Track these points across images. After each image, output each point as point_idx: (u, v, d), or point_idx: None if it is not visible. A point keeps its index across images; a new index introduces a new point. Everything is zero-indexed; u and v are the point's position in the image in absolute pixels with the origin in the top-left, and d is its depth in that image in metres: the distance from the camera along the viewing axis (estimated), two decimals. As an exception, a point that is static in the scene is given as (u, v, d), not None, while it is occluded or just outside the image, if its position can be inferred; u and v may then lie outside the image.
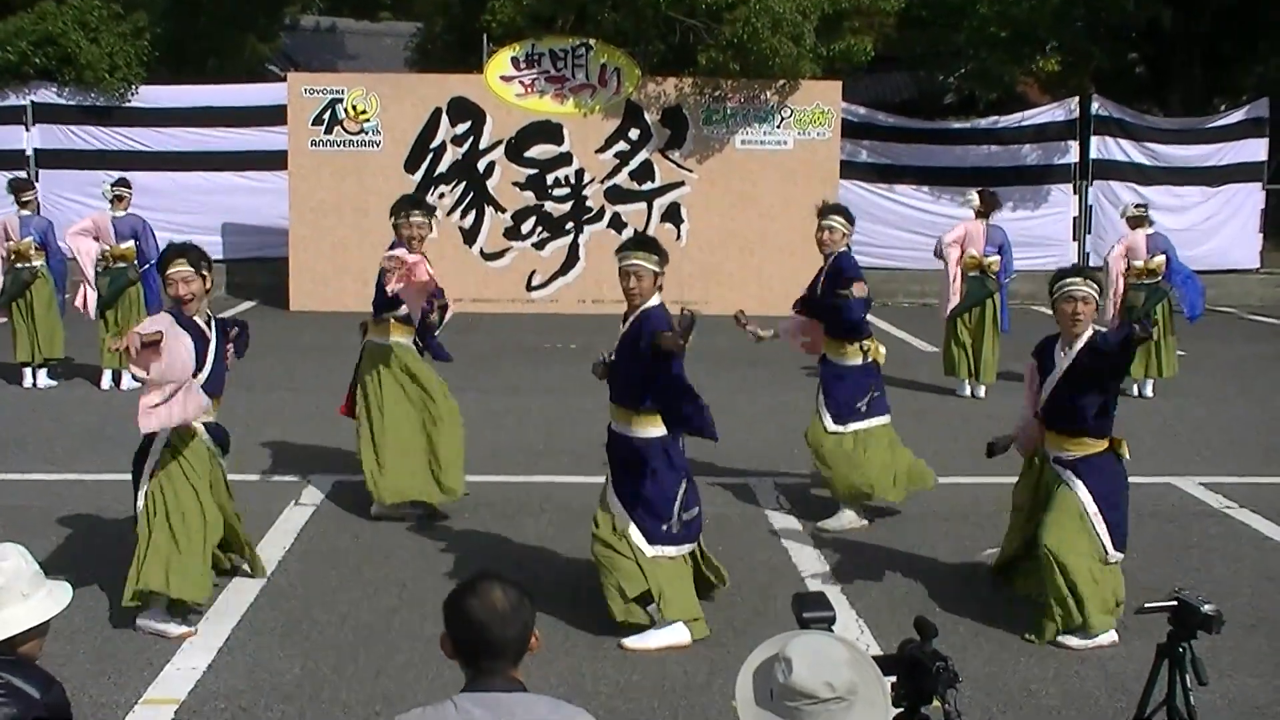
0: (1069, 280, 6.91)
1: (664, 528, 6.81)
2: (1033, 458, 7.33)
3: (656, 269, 6.85)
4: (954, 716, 3.58)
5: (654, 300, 6.86)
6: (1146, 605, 4.47)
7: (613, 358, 6.95)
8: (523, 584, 3.31)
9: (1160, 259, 13.48)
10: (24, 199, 13.37)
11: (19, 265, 13.08)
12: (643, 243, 6.97)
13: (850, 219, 9.23)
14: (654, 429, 6.79)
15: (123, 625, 6.74)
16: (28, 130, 21.66)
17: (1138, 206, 14.05)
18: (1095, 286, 6.91)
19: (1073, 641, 6.72)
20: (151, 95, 21.80)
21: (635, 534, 6.79)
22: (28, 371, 13.15)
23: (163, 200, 20.07)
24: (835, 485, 8.91)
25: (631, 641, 6.66)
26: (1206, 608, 4.27)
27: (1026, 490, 7.33)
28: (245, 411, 11.85)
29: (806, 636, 3.08)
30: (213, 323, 7.15)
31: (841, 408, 8.93)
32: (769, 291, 19.37)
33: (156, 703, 5.82)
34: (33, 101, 21.60)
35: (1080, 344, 6.84)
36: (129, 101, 21.69)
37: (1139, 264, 13.45)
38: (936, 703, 3.49)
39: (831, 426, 8.93)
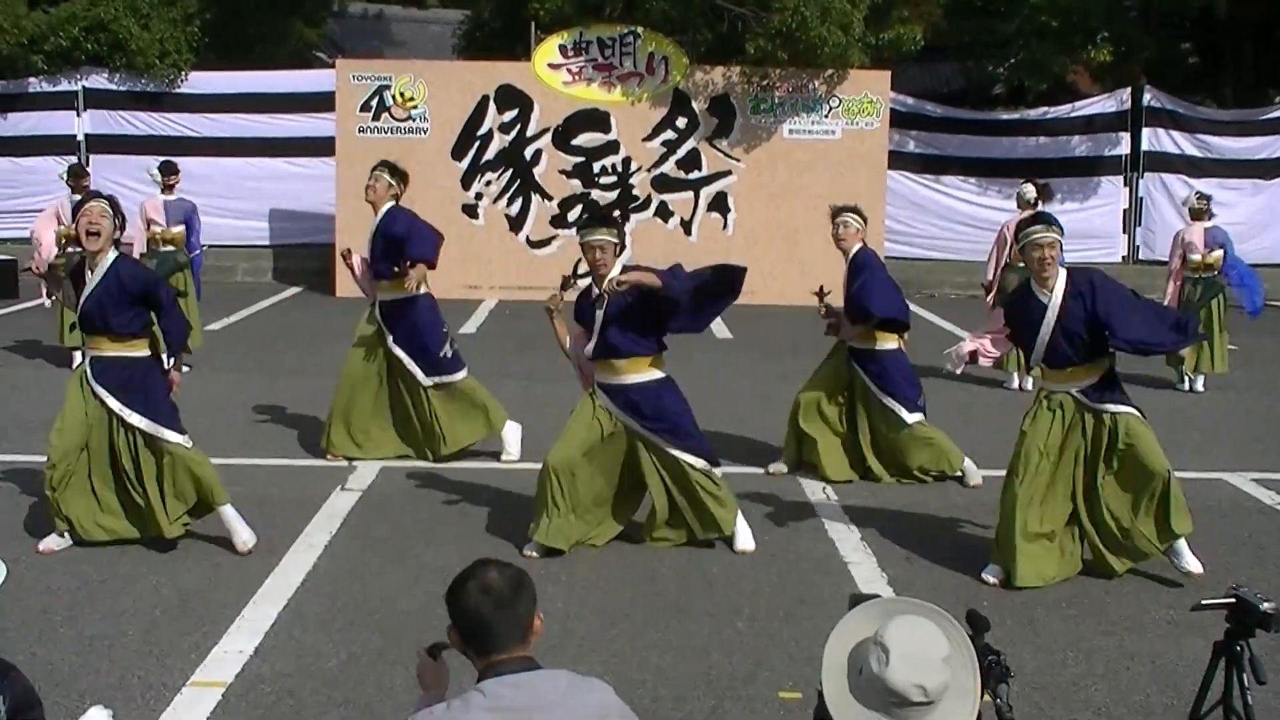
0: (1032, 229, 7.33)
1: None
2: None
3: (617, 242, 7.77)
4: (1005, 711, 3.53)
5: (616, 269, 7.70)
6: (1203, 602, 4.40)
7: (575, 281, 7.87)
8: (519, 568, 3.37)
9: (1218, 253, 13.33)
10: (81, 184, 13.49)
11: (70, 250, 13.17)
12: (604, 220, 8.02)
13: (864, 217, 9.97)
14: (653, 371, 7.73)
15: (170, 608, 6.78)
16: (79, 116, 21.88)
17: (1200, 199, 13.83)
18: (1059, 231, 7.32)
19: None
20: (201, 81, 21.97)
21: (696, 460, 7.73)
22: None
23: (211, 186, 20.23)
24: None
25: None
26: (1266, 605, 4.19)
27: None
28: (290, 397, 11.93)
29: (909, 620, 2.99)
30: (111, 268, 7.58)
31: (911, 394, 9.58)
32: (815, 282, 19.17)
33: (204, 685, 5.83)
34: (84, 87, 21.81)
35: (1060, 287, 7.25)
36: (178, 87, 21.88)
37: (1196, 258, 13.30)
38: (988, 697, 3.44)
39: (910, 418, 9.47)
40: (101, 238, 7.53)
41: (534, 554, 7.65)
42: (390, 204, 9.68)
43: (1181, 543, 7.41)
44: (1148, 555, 7.40)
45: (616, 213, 19.65)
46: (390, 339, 9.68)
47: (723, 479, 7.89)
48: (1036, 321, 7.28)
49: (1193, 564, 7.43)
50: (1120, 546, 7.40)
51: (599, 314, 7.66)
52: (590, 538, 7.85)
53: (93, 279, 7.55)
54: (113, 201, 7.75)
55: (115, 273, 7.54)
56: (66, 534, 7.59)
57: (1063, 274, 7.25)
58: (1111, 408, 7.30)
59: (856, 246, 9.64)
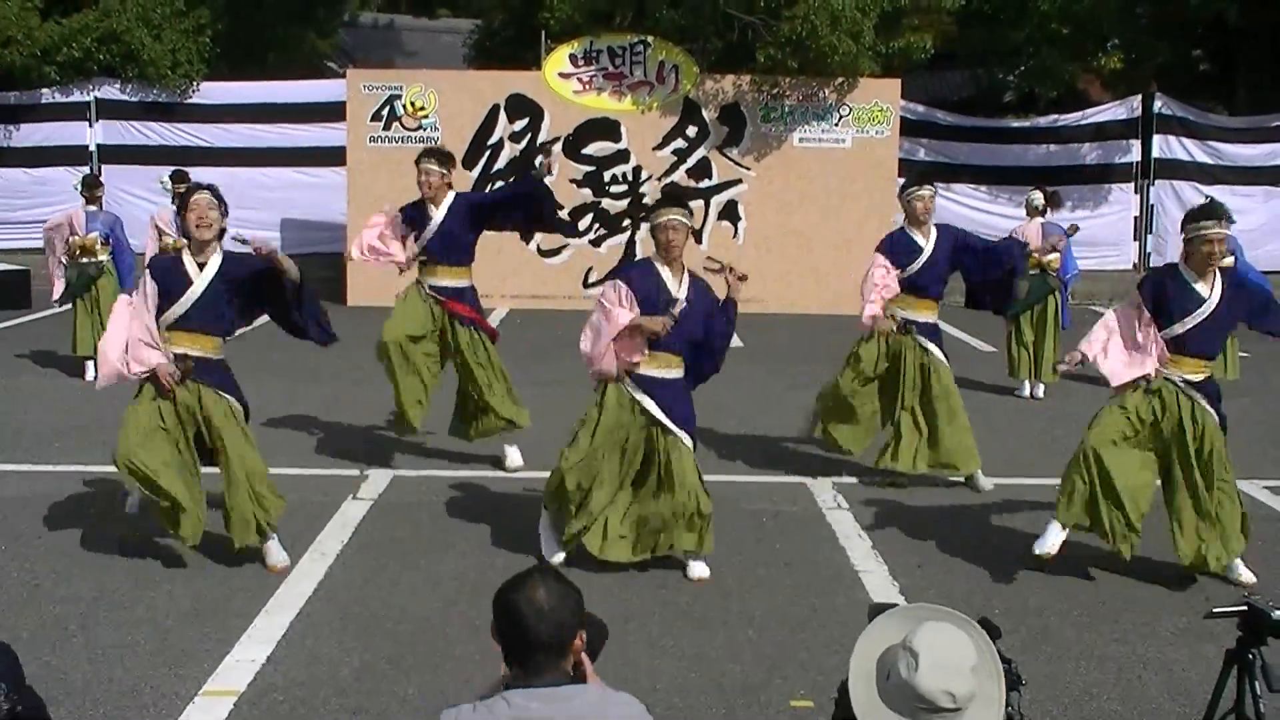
0: (1204, 223, 7.33)
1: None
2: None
3: (689, 223, 7.54)
4: (1017, 719, 3.53)
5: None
6: (1215, 610, 4.40)
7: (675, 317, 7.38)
8: (572, 582, 3.31)
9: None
10: (96, 194, 13.59)
11: (84, 260, 13.24)
12: (675, 198, 7.65)
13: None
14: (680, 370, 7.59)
15: (183, 617, 6.80)
16: (91, 126, 21.95)
17: None
18: (1230, 225, 7.43)
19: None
20: (212, 91, 22.04)
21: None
22: (90, 365, 13.30)
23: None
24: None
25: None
26: (1277, 613, 4.19)
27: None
28: (304, 404, 11.96)
29: (937, 626, 3.01)
30: (219, 260, 7.47)
31: None
32: (826, 290, 19.30)
33: (216, 694, 5.85)
34: (96, 98, 21.90)
35: (1218, 279, 7.47)
36: (190, 98, 21.95)
37: (1209, 265, 13.26)
38: (1000, 704, 3.44)
39: None
40: (213, 229, 7.42)
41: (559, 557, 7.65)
42: (451, 195, 9.65)
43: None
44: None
45: (628, 218, 19.67)
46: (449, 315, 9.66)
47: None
48: (1190, 309, 7.43)
49: (1245, 574, 7.60)
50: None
51: (680, 302, 7.37)
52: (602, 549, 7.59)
53: (203, 277, 7.40)
54: (214, 190, 7.61)
55: (223, 270, 7.46)
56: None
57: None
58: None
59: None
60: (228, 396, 7.55)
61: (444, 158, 9.79)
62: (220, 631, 6.57)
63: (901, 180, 20.09)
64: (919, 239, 9.70)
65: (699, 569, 7.60)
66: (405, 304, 9.74)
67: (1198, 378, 7.50)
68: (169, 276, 7.45)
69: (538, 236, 20.15)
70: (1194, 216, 7.46)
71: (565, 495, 7.57)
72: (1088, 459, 7.44)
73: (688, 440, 7.50)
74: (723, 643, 6.58)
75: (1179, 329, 7.44)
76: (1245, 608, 4.31)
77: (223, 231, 7.55)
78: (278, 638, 6.52)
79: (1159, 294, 7.53)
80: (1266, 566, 7.92)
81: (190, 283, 7.40)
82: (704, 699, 5.90)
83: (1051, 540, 7.55)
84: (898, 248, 9.69)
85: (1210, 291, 7.43)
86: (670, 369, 7.49)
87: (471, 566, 7.65)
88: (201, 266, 7.44)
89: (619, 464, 7.55)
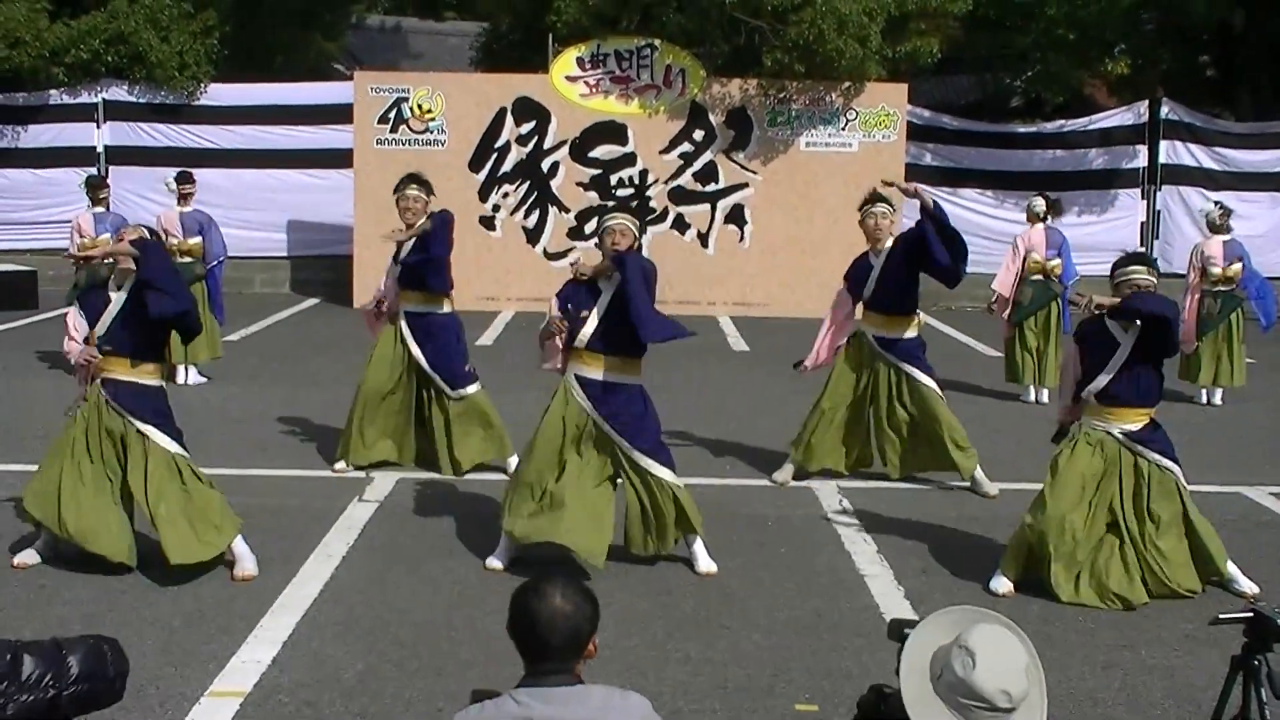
0: (1132, 268, 7.34)
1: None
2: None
3: (636, 232, 7.93)
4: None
5: None
6: (1220, 616, 4.40)
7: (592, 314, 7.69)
8: (590, 590, 3.34)
9: (1237, 266, 13.31)
10: (100, 196, 13.60)
11: (94, 262, 13.25)
12: (625, 208, 7.79)
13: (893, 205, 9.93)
14: (638, 376, 7.75)
15: (189, 618, 6.81)
16: (99, 127, 21.97)
17: (1222, 213, 13.73)
18: (1156, 274, 7.37)
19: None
20: (219, 93, 22.06)
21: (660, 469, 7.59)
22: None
23: (229, 197, 20.32)
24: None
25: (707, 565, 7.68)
26: (1283, 620, 4.20)
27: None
28: (307, 408, 11.97)
29: (990, 627, 3.04)
30: (132, 282, 7.40)
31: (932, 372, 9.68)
32: (831, 294, 19.22)
33: (221, 695, 5.86)
34: (104, 99, 21.92)
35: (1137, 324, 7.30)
36: (198, 99, 21.96)
37: (1216, 271, 13.28)
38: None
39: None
40: (127, 261, 7.38)
41: (499, 564, 7.64)
42: (424, 219, 9.61)
43: (1231, 567, 7.58)
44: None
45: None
46: (414, 350, 9.67)
47: (688, 495, 7.73)
48: (1108, 357, 7.34)
49: (1247, 585, 7.53)
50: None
51: (592, 308, 7.65)
52: (567, 541, 7.53)
53: (117, 298, 7.42)
54: (151, 232, 7.74)
55: (135, 291, 7.36)
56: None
57: None
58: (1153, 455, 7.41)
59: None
60: (159, 441, 7.36)
61: (425, 184, 9.76)
62: (226, 633, 6.58)
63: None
64: (871, 258, 9.73)
65: (705, 563, 7.68)
66: (379, 351, 9.82)
67: (1135, 427, 7.40)
68: (93, 302, 7.56)
69: (544, 238, 20.19)
70: (1123, 262, 7.48)
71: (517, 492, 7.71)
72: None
73: (618, 437, 7.57)
74: (727, 647, 6.58)
75: (1104, 379, 7.35)
76: (1251, 614, 4.31)
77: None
78: (283, 639, 6.53)
79: (1082, 345, 7.55)
80: (1272, 573, 7.91)
81: (109, 303, 7.46)
82: (708, 703, 5.90)
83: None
84: (857, 271, 9.83)
85: (1125, 335, 7.33)
86: (605, 371, 7.63)
87: (476, 570, 7.66)
88: (120, 289, 7.48)
89: (561, 454, 7.63)
